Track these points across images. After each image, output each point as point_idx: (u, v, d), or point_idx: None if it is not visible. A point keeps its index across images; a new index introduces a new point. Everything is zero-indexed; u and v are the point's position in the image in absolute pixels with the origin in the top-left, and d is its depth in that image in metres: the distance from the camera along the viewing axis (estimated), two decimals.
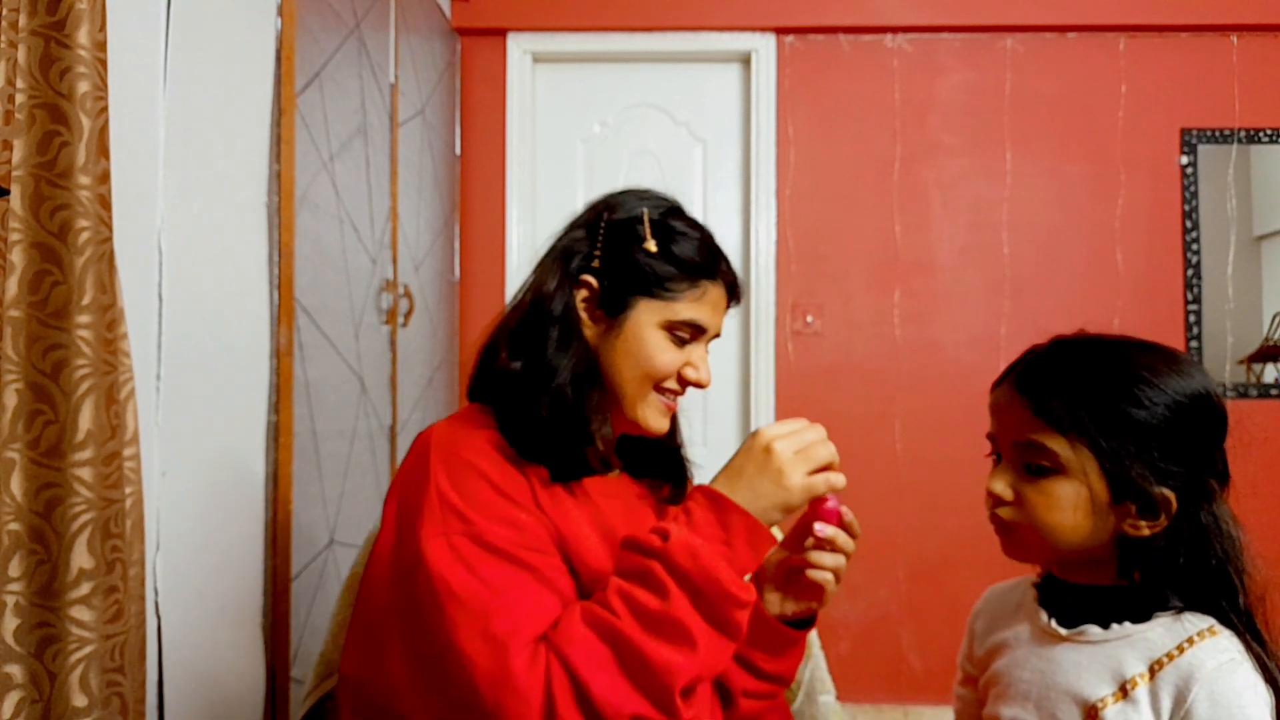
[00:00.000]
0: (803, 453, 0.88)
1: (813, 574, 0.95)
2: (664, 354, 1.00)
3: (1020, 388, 0.86)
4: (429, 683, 0.85)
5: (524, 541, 0.88)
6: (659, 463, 1.11)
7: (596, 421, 0.98)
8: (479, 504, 0.89)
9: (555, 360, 0.97)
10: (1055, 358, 0.87)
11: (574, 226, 1.05)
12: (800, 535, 0.97)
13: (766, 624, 0.99)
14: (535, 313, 1.00)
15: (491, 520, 0.88)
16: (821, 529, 0.95)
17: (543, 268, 1.03)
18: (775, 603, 1.00)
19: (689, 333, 1.01)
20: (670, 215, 1.02)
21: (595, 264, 1.00)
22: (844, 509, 0.96)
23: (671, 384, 1.02)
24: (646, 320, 0.99)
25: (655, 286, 0.99)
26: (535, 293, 1.01)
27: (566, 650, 0.81)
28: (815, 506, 0.95)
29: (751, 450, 0.89)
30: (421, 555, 0.86)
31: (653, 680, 0.80)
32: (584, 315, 1.01)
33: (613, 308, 1.00)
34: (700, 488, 0.90)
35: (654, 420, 1.03)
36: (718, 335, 1.04)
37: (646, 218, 1.00)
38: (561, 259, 1.02)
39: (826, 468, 0.89)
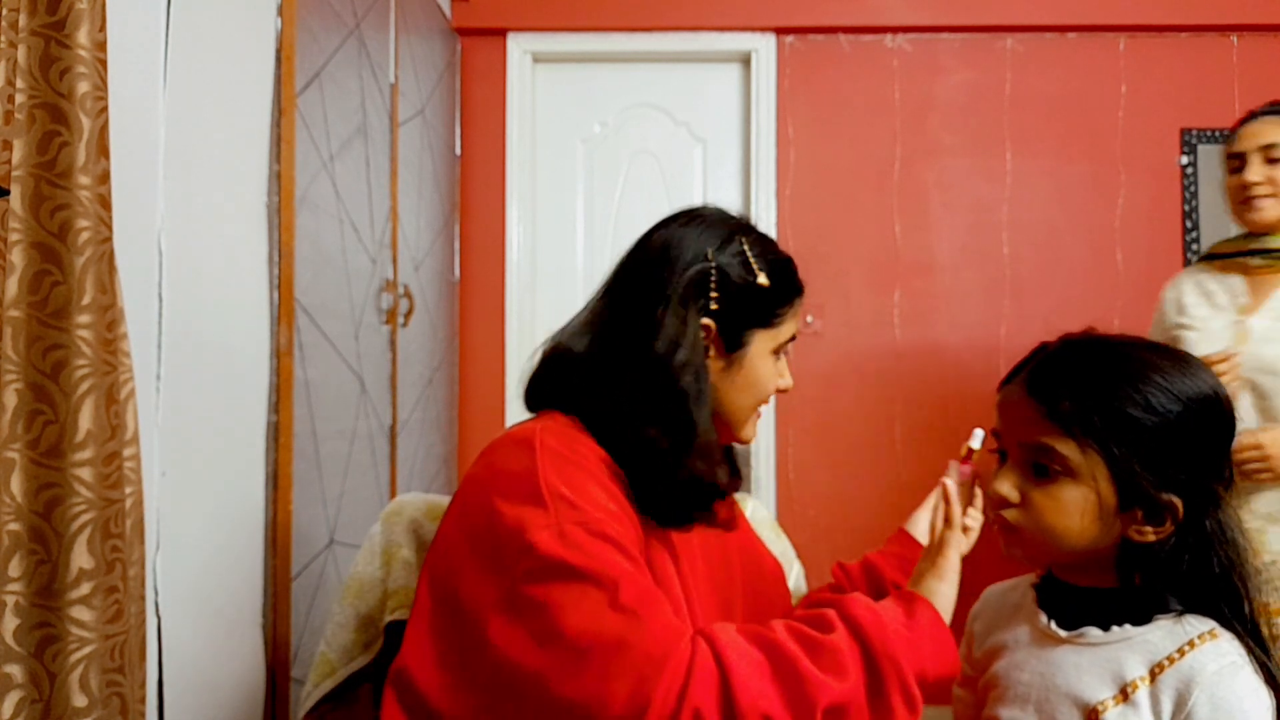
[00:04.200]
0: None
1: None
2: (775, 378, 1.04)
3: (1031, 389, 0.85)
4: (545, 664, 0.80)
5: (630, 539, 0.87)
6: None
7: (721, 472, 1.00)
8: (587, 496, 0.88)
9: (698, 419, 0.96)
10: (1066, 359, 0.86)
11: (675, 267, 1.00)
12: None
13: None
14: (667, 372, 0.95)
15: (600, 511, 0.87)
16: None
17: (658, 314, 0.98)
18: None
19: (789, 348, 1.05)
20: (759, 240, 1.03)
21: (713, 306, 0.99)
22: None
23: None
24: (762, 350, 1.02)
25: (770, 317, 1.02)
26: (670, 350, 0.96)
27: (720, 645, 0.78)
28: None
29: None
30: (531, 545, 0.83)
31: (799, 690, 0.77)
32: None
33: (731, 345, 1.01)
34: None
35: (751, 434, 1.07)
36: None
37: (749, 252, 1.01)
38: (682, 305, 0.98)
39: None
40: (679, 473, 0.94)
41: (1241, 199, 1.70)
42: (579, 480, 0.89)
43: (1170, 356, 0.84)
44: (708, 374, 0.99)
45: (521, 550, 0.84)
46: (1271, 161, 1.67)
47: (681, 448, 0.94)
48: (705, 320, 0.99)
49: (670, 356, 0.96)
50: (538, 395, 1.04)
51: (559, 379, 1.02)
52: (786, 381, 1.06)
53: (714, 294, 0.99)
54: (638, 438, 0.94)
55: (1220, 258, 1.77)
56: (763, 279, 1.00)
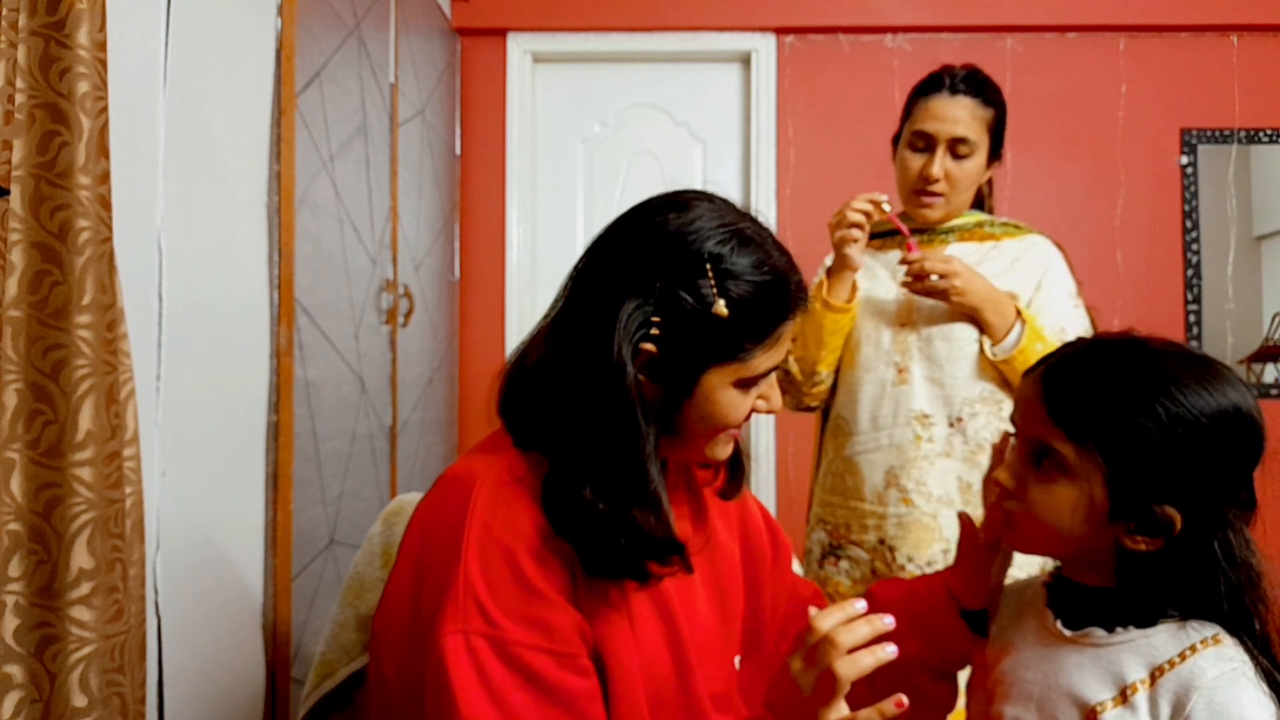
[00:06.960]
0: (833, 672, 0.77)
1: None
2: (737, 409, 0.88)
3: (1043, 385, 0.83)
4: None
5: (549, 646, 0.81)
6: None
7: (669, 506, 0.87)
8: (505, 600, 0.81)
9: (646, 466, 0.84)
10: (1085, 358, 0.84)
11: (622, 278, 0.85)
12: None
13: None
14: (596, 394, 0.84)
15: (516, 622, 0.80)
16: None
17: (589, 328, 0.85)
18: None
19: (763, 379, 0.90)
20: (737, 249, 0.85)
21: (654, 330, 0.84)
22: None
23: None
24: (719, 384, 0.86)
25: (729, 353, 0.85)
26: (594, 366, 0.83)
27: None
28: None
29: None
30: (439, 647, 0.79)
31: None
32: (643, 379, 0.86)
33: (679, 379, 0.86)
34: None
35: (723, 453, 0.94)
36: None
37: (710, 272, 0.83)
38: (624, 328, 0.84)
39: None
40: (620, 534, 0.83)
41: (918, 189, 1.50)
42: (499, 574, 0.81)
43: (1197, 368, 0.79)
44: (641, 412, 0.84)
45: (430, 632, 0.81)
46: (957, 157, 1.48)
47: (622, 505, 0.83)
48: (646, 345, 0.85)
49: (602, 397, 0.83)
50: (504, 415, 0.95)
51: (515, 402, 0.93)
52: (767, 406, 0.92)
53: (656, 319, 0.84)
54: (573, 500, 0.83)
55: (877, 236, 1.58)
56: (721, 309, 0.83)
